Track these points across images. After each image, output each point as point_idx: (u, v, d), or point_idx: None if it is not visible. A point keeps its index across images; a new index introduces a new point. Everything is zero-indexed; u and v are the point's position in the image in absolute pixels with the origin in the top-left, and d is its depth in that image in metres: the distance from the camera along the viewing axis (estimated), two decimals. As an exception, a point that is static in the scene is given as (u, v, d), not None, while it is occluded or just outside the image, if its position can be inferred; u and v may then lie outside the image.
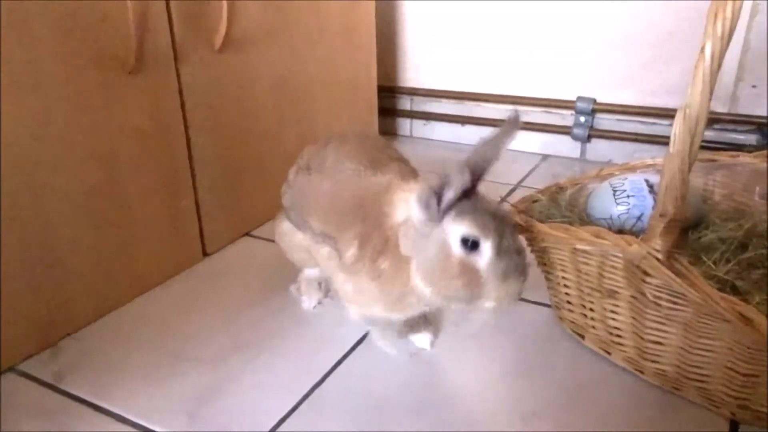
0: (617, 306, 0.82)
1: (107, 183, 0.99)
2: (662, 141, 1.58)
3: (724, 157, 1.02)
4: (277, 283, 1.09)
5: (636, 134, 1.66)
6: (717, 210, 0.98)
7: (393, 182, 0.79)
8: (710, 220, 0.93)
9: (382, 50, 1.77)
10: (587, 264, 0.83)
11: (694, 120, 0.62)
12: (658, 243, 0.69)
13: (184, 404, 0.82)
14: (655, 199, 0.74)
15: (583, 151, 1.78)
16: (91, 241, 0.98)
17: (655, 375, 0.82)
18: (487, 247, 0.69)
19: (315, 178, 0.88)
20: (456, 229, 0.70)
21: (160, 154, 1.07)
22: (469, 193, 0.71)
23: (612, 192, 0.94)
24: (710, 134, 1.56)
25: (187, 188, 1.14)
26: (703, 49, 0.59)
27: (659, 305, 0.75)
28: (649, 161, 1.04)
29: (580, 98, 1.70)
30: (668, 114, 1.58)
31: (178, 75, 1.07)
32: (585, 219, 0.96)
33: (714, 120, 1.55)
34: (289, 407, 0.81)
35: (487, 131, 0.72)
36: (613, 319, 0.84)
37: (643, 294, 0.76)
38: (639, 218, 0.90)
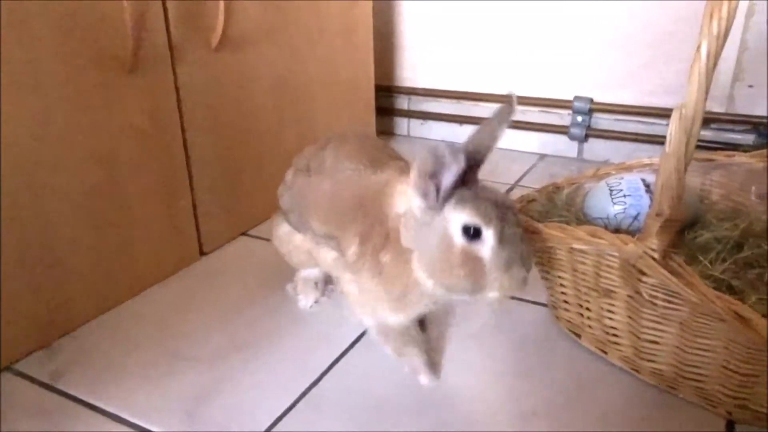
0: (614, 305, 0.83)
1: (106, 183, 0.98)
2: (660, 141, 1.58)
3: (720, 156, 1.02)
4: (274, 283, 1.09)
5: (633, 134, 1.66)
6: (713, 209, 0.98)
7: (393, 178, 0.79)
8: (707, 219, 0.93)
9: (379, 49, 1.77)
10: (584, 263, 0.83)
11: (689, 119, 0.62)
12: (654, 242, 0.69)
13: (181, 403, 0.82)
14: (651, 199, 0.74)
15: (580, 151, 1.78)
16: (90, 241, 0.98)
17: (652, 374, 0.82)
18: (489, 235, 0.67)
19: (315, 180, 0.88)
20: (457, 217, 0.68)
21: (158, 153, 1.07)
22: (469, 181, 0.70)
23: (609, 191, 0.94)
24: (707, 134, 1.56)
25: (184, 188, 1.14)
26: (699, 48, 0.59)
27: (655, 304, 0.75)
28: (646, 161, 1.05)
29: (577, 98, 1.70)
30: (666, 114, 1.58)
31: (174, 74, 1.07)
32: (582, 218, 0.97)
33: (711, 120, 1.55)
34: (286, 406, 0.81)
35: (484, 131, 0.72)
36: (610, 318, 0.84)
37: (639, 293, 0.77)
38: (636, 218, 0.91)
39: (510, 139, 1.80)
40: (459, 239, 0.68)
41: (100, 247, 1.00)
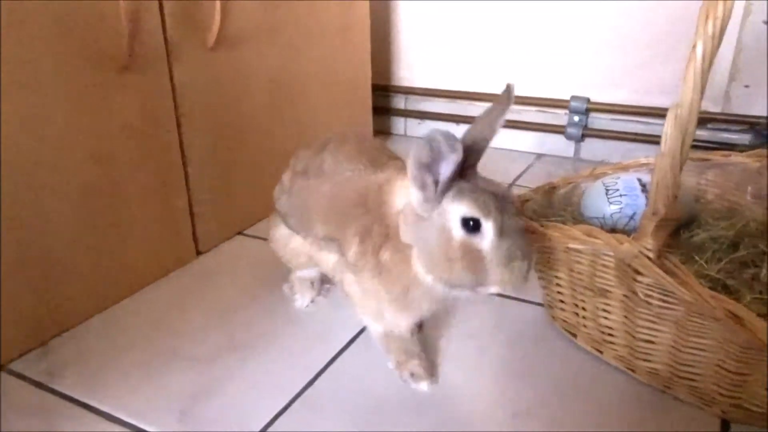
0: (609, 305, 0.83)
1: (102, 182, 0.98)
2: (656, 140, 1.56)
3: (716, 156, 1.02)
4: (270, 282, 1.09)
5: (630, 134, 1.66)
6: (709, 209, 0.99)
7: (393, 176, 0.78)
8: (702, 219, 0.94)
9: (376, 49, 1.76)
10: (580, 263, 0.83)
11: (685, 119, 0.62)
12: (649, 242, 0.69)
13: (176, 403, 0.82)
14: (647, 198, 0.74)
15: (576, 151, 1.78)
16: (85, 240, 0.97)
17: (647, 374, 0.82)
18: (488, 228, 0.67)
19: (314, 183, 0.87)
20: (455, 209, 0.67)
21: (154, 153, 1.07)
22: (468, 174, 0.70)
23: (605, 191, 0.94)
24: (703, 134, 1.57)
25: (180, 187, 1.14)
26: (694, 48, 0.59)
27: (650, 304, 0.76)
28: (643, 160, 1.05)
29: (574, 97, 1.70)
30: (662, 113, 1.56)
31: (171, 74, 1.07)
32: (578, 218, 0.97)
33: (707, 120, 1.55)
34: (282, 405, 0.81)
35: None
36: (605, 317, 0.84)
37: (634, 293, 0.77)
38: (631, 217, 0.91)
39: (507, 139, 1.80)
40: (458, 232, 0.68)
41: (96, 247, 0.99)
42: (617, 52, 1.64)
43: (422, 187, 0.68)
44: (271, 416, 0.79)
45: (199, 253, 1.22)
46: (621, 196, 0.92)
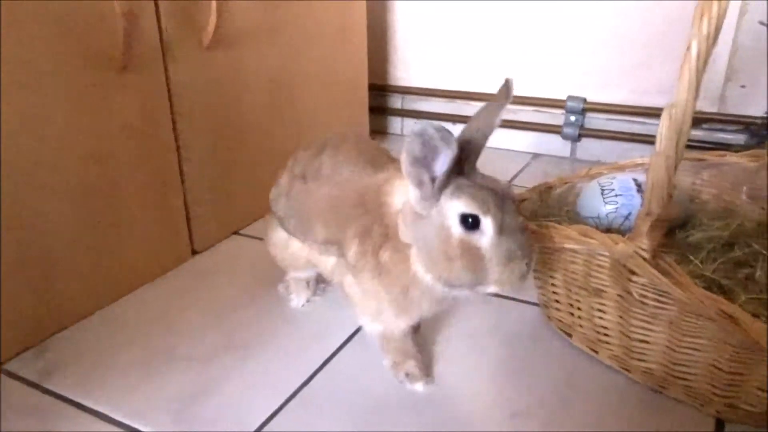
0: (604, 305, 0.83)
1: (101, 182, 0.98)
2: (653, 141, 1.57)
3: (712, 156, 1.03)
4: (266, 282, 1.09)
5: (626, 134, 1.67)
6: (704, 209, 0.99)
7: (392, 176, 0.77)
8: (698, 219, 0.94)
9: (373, 49, 1.77)
10: (575, 263, 0.83)
11: (679, 119, 0.62)
12: (644, 242, 0.69)
13: (171, 403, 0.82)
14: (643, 198, 0.74)
15: (573, 150, 1.78)
16: (82, 239, 0.97)
17: (642, 373, 0.82)
18: (488, 225, 0.66)
19: (312, 186, 0.86)
20: (454, 206, 0.67)
21: (151, 152, 1.07)
22: (467, 170, 0.69)
23: (600, 191, 0.94)
24: (699, 134, 1.57)
25: (176, 186, 1.14)
26: (689, 48, 0.59)
27: (645, 304, 0.76)
28: (639, 160, 1.05)
29: (570, 97, 1.70)
30: (659, 114, 1.57)
31: (167, 73, 1.07)
32: (574, 218, 0.97)
33: (703, 120, 1.55)
34: (278, 405, 0.81)
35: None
36: (600, 317, 0.84)
37: (629, 293, 0.77)
38: (627, 217, 0.91)
39: (503, 139, 1.80)
40: (457, 229, 0.67)
41: (94, 246, 0.99)
42: (614, 52, 1.64)
43: (419, 184, 0.67)
44: (267, 415, 0.79)
45: (194, 252, 1.22)
46: (616, 196, 0.93)
